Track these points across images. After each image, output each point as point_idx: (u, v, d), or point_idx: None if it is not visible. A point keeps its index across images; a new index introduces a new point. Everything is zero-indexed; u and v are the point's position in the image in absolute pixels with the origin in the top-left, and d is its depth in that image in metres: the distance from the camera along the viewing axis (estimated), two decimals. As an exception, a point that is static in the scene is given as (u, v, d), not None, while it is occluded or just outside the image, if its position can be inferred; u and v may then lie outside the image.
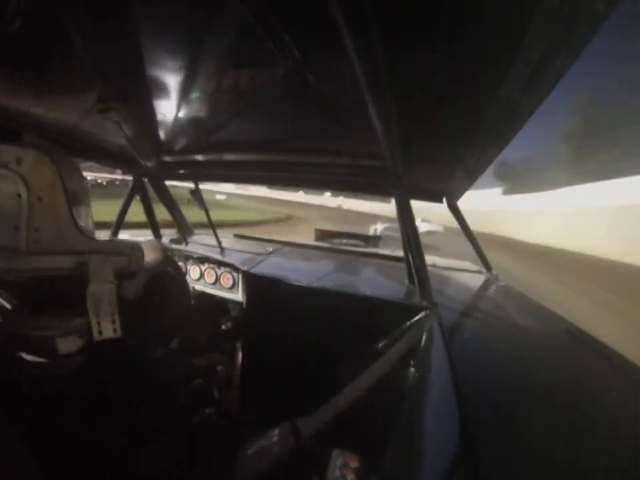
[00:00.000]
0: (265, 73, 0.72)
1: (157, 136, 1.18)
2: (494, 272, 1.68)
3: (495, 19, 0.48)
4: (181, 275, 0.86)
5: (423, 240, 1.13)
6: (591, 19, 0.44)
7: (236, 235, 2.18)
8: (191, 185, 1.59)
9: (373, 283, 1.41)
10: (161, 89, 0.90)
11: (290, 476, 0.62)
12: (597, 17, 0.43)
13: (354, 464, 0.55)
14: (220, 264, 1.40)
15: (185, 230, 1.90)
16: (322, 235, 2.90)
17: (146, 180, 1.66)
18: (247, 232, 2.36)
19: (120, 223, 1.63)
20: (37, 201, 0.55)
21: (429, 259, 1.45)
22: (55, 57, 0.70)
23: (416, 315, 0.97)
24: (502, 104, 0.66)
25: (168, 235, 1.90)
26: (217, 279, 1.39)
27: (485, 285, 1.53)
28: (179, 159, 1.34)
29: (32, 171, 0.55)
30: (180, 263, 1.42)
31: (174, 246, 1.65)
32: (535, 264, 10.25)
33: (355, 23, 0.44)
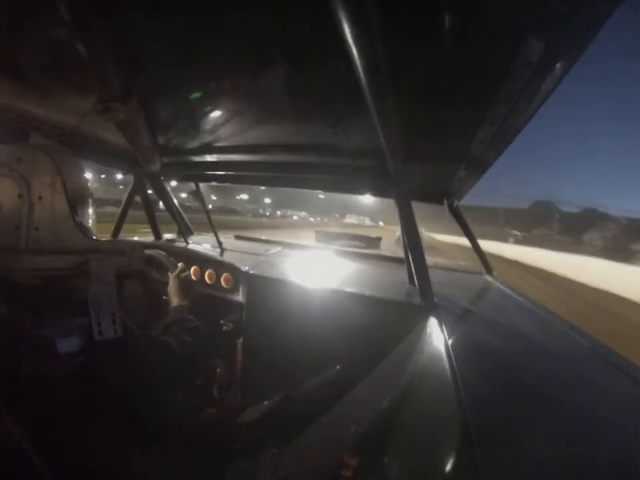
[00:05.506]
0: (265, 73, 0.72)
1: (158, 136, 1.18)
2: (494, 273, 1.68)
3: (496, 19, 0.48)
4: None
5: None
6: (592, 20, 0.44)
7: (237, 236, 2.19)
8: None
9: (373, 284, 1.41)
10: (162, 90, 0.90)
11: (290, 476, 0.62)
12: (597, 18, 0.44)
13: (354, 464, 0.55)
14: (221, 265, 1.40)
15: (185, 230, 1.90)
16: (322, 236, 2.90)
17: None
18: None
19: (120, 223, 1.63)
20: (37, 200, 0.55)
21: (430, 260, 1.44)
22: (57, 58, 0.70)
23: (417, 316, 0.97)
24: (503, 104, 0.66)
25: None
26: (218, 280, 1.39)
27: (486, 287, 1.53)
28: (179, 159, 1.34)
29: (32, 170, 0.55)
30: (180, 264, 1.43)
31: (175, 246, 1.65)
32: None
33: (356, 22, 0.44)
